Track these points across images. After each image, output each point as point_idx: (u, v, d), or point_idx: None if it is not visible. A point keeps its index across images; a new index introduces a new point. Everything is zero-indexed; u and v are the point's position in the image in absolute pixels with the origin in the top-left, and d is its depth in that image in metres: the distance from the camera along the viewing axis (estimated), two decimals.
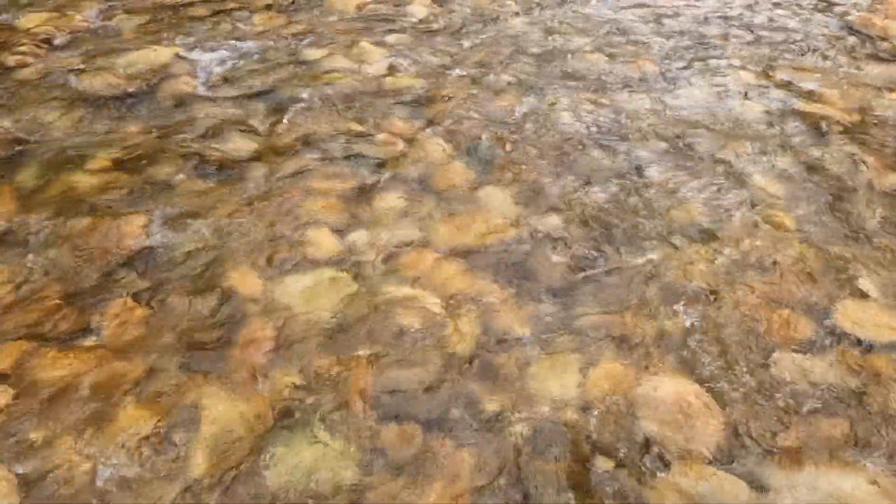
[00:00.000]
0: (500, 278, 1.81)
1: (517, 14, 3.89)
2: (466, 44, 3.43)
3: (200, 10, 3.97)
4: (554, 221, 2.04)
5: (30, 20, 3.77)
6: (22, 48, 3.29)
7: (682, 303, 1.75)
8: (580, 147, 2.42)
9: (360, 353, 1.58)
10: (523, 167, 2.28)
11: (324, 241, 1.90)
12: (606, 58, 3.21)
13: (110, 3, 4.12)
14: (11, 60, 3.15)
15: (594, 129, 2.55)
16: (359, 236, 1.93)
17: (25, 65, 3.12)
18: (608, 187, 2.18)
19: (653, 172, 2.33)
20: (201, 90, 2.88)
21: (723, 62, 3.21)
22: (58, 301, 1.66)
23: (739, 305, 1.75)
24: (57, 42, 3.46)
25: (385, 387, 1.49)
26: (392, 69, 3.12)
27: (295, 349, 1.57)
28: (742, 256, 1.93)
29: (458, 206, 2.11)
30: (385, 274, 1.81)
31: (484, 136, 2.47)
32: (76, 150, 2.37)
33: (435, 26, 3.73)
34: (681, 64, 3.15)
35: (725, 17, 3.72)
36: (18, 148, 2.36)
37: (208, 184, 2.19)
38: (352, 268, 1.82)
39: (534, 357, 1.56)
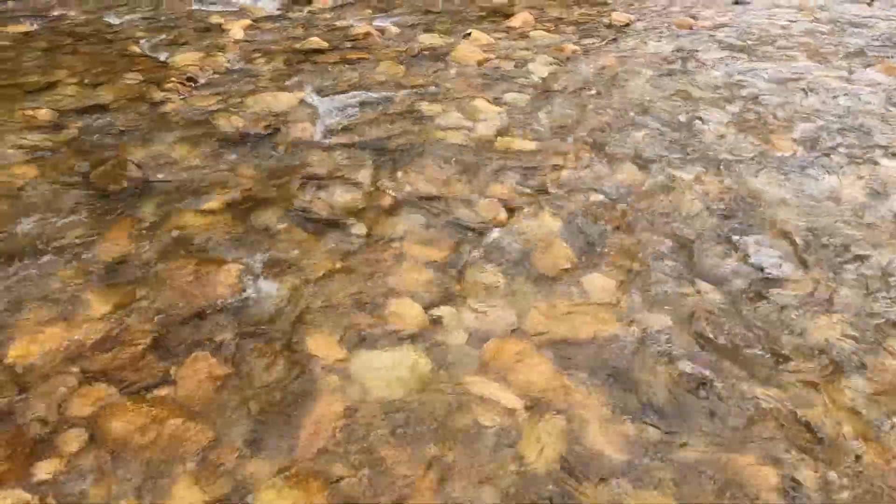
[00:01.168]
0: (594, 383, 1.61)
1: (645, 77, 3.69)
2: (588, 107, 3.28)
3: (330, 58, 4.16)
4: (663, 321, 1.80)
5: (183, 58, 4.13)
6: (169, 85, 3.58)
7: (815, 453, 1.45)
8: (701, 235, 2.17)
9: (429, 450, 1.44)
10: (634, 253, 2.07)
11: (409, 315, 1.80)
12: (740, 132, 2.93)
13: (253, 48, 4.44)
14: (158, 96, 3.43)
15: (718, 215, 2.28)
16: (446, 313, 1.81)
17: (168, 101, 3.38)
18: (729, 288, 1.91)
19: (785, 273, 2.02)
20: (318, 137, 2.95)
21: (878, 151, 2.81)
22: (145, 345, 1.68)
23: None
24: (201, 81, 3.74)
25: (448, 498, 1.34)
26: (506, 130, 3.03)
27: (362, 435, 1.46)
28: None
29: (557, 289, 1.94)
30: (468, 360, 1.67)
31: (594, 214, 2.28)
32: (194, 189, 2.48)
33: (556, 86, 3.62)
34: (826, 146, 2.79)
35: (889, 97, 3.29)
36: (145, 183, 2.51)
37: (307, 235, 2.18)
38: (434, 348, 1.70)
39: (623, 493, 1.33)
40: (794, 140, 2.79)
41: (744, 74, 3.68)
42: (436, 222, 2.26)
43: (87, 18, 5.56)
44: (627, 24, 4.86)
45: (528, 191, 2.47)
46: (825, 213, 2.28)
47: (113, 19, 5.47)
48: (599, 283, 1.93)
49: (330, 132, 3.00)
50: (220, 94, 3.49)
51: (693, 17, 5.06)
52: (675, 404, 1.57)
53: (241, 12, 5.61)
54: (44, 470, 1.37)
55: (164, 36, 4.81)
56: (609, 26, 4.89)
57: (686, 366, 1.65)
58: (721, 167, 2.57)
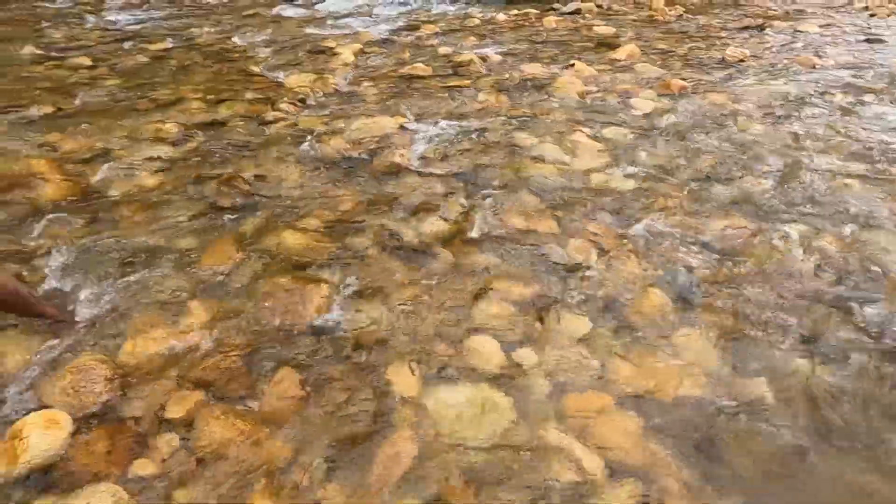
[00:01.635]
0: (681, 452, 1.51)
1: (759, 119, 3.49)
2: (693, 148, 3.14)
3: (433, 84, 4.26)
4: (763, 392, 1.66)
5: (296, 80, 4.39)
6: (282, 105, 3.81)
7: None
8: (812, 299, 1.99)
9: (500, 499, 1.40)
10: (735, 313, 1.93)
11: (489, 353, 1.78)
12: (864, 186, 2.68)
13: (360, 71, 4.64)
14: (271, 115, 3.65)
15: (833, 278, 2.09)
16: (527, 356, 1.77)
17: (279, 120, 3.59)
18: (845, 365, 1.73)
19: None
20: (413, 163, 3.02)
21: None
22: (238, 358, 1.77)
23: None
24: (309, 102, 3.95)
25: None
26: (603, 166, 2.96)
27: (434, 476, 1.45)
28: None
29: (645, 341, 1.85)
30: (547, 409, 1.62)
31: (693, 265, 2.16)
32: (295, 208, 2.60)
33: (660, 124, 3.50)
34: None
35: None
36: (252, 199, 2.66)
37: (395, 262, 2.22)
38: (513, 392, 1.66)
39: None
40: None
41: (871, 121, 3.38)
42: (523, 258, 2.23)
43: (216, 38, 6.06)
44: (742, 61, 4.62)
45: (622, 232, 2.39)
46: None
47: (238, 40, 5.92)
48: (694, 340, 1.82)
49: (425, 159, 3.06)
50: (326, 115, 3.67)
51: (817, 54, 4.73)
52: (770, 486, 1.43)
53: (354, 36, 5.89)
54: (139, 468, 1.46)
55: (281, 57, 5.14)
56: (722, 62, 4.67)
57: (783, 441, 1.51)
58: (840, 224, 2.36)
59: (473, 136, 3.35)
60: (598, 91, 4.06)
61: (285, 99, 3.93)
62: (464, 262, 2.21)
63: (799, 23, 6.01)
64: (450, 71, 4.57)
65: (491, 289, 2.07)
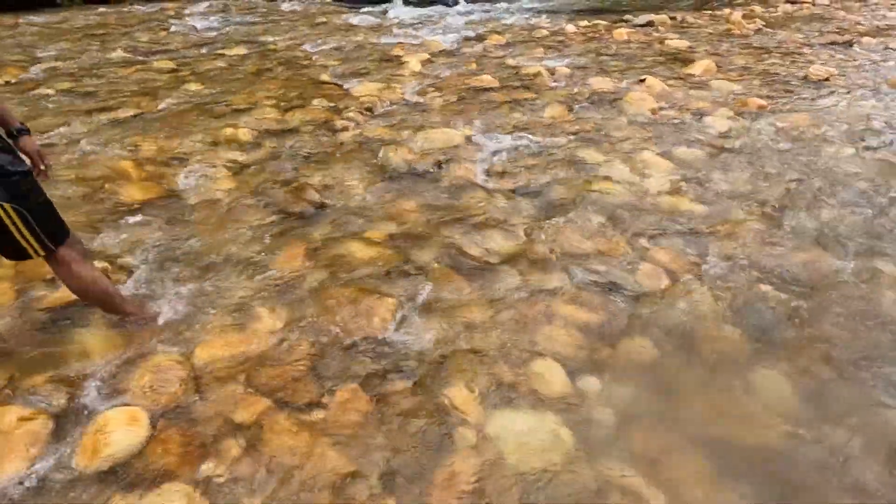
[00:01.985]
0: (757, 499, 1.43)
1: (842, 144, 3.30)
2: (770, 172, 3.00)
3: (499, 96, 4.25)
4: (848, 440, 1.56)
5: (364, 88, 4.47)
6: (350, 113, 3.89)
7: None
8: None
9: None
10: (818, 353, 1.82)
11: (553, 380, 1.75)
12: None
13: (427, 81, 4.68)
14: (339, 124, 3.73)
15: None
16: (592, 385, 1.73)
17: (347, 129, 3.66)
18: None
19: None
20: (480, 178, 3.01)
21: None
22: (305, 367, 1.80)
23: None
24: (377, 111, 4.01)
25: None
26: (674, 188, 2.86)
27: (491, 500, 1.43)
28: None
29: (719, 379, 1.77)
30: (612, 442, 1.57)
31: (769, 298, 2.06)
32: (361, 218, 2.64)
33: (735, 144, 3.36)
34: None
35: None
36: (319, 207, 2.72)
37: (459, 279, 2.22)
38: (576, 424, 1.62)
39: None
40: None
41: None
42: (591, 282, 2.18)
43: (289, 45, 6.27)
44: (827, 79, 4.39)
45: (694, 259, 2.30)
46: None
47: (309, 48, 6.10)
48: (772, 381, 1.73)
49: (491, 174, 3.05)
50: (393, 125, 3.72)
51: None
52: None
53: (421, 46, 5.96)
54: (207, 470, 1.51)
55: (349, 65, 5.25)
56: (804, 80, 4.46)
57: (864, 496, 1.41)
58: None
59: (540, 151, 3.32)
60: (670, 108, 3.95)
61: (353, 107, 4.01)
62: (529, 282, 2.19)
63: (890, 39, 5.67)
64: (517, 83, 4.55)
65: (557, 312, 2.03)
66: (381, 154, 3.25)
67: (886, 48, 5.34)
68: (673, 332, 1.95)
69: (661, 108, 3.90)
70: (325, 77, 4.84)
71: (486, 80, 4.58)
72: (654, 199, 2.77)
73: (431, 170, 3.08)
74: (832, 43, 5.56)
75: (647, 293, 2.12)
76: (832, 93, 4.15)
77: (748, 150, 3.28)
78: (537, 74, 4.67)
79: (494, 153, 3.29)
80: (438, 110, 4.00)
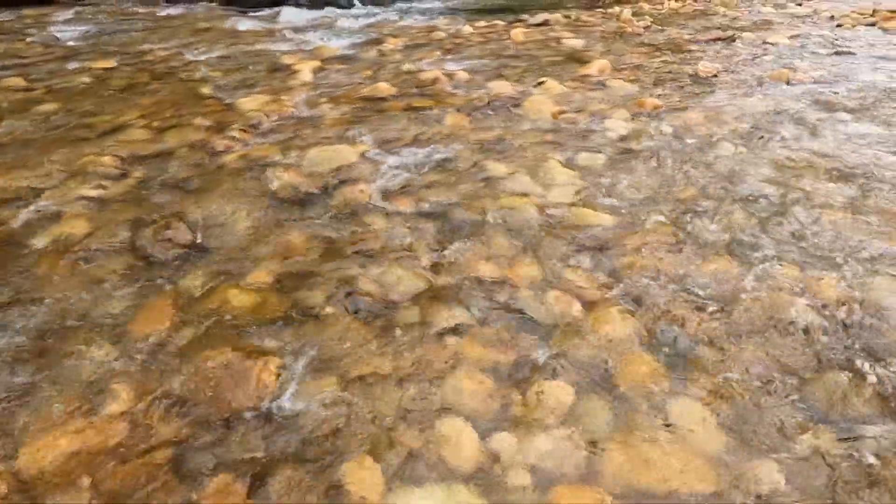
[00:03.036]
0: None
1: (737, 141, 3.34)
2: (672, 175, 2.96)
3: (396, 106, 4.02)
4: (772, 476, 1.46)
5: (249, 102, 4.10)
6: (233, 132, 3.52)
7: None
8: (816, 358, 1.81)
9: None
10: (734, 377, 1.74)
11: (462, 443, 1.54)
12: (856, 218, 2.53)
13: (319, 91, 4.37)
14: (221, 144, 3.36)
15: (836, 331, 1.91)
16: (505, 444, 1.54)
17: (229, 150, 3.30)
18: (861, 439, 1.54)
19: None
20: (376, 199, 2.77)
21: None
22: (167, 458, 1.50)
23: None
24: (263, 127, 3.67)
25: None
26: (581, 198, 2.75)
27: None
28: None
29: (639, 417, 1.63)
30: None
31: (682, 318, 1.96)
32: (242, 258, 2.33)
33: (636, 147, 3.32)
34: None
35: None
36: (192, 248, 2.38)
37: (355, 325, 1.97)
38: (491, 490, 1.43)
39: None
40: None
41: (853, 142, 3.26)
42: (499, 316, 2.00)
43: (167, 55, 5.72)
44: (715, 76, 4.50)
45: (604, 280, 2.18)
46: None
47: (190, 56, 5.59)
48: (694, 415, 1.61)
49: (389, 194, 2.81)
50: (281, 143, 3.39)
51: (789, 68, 4.64)
52: None
53: (313, 52, 5.62)
54: None
55: (235, 76, 4.84)
56: (695, 77, 4.54)
57: None
58: (837, 265, 2.19)
59: (441, 165, 3.12)
60: (570, 111, 3.87)
61: (237, 125, 3.64)
62: (433, 322, 1.97)
63: (768, 34, 5.95)
64: (415, 90, 4.33)
65: (465, 355, 1.83)
66: (266, 178, 2.93)
67: (764, 42, 5.59)
68: (587, 367, 1.80)
69: (561, 112, 3.82)
70: (206, 91, 4.40)
71: (383, 88, 4.33)
72: (561, 213, 2.64)
73: (323, 193, 2.80)
74: (716, 39, 5.76)
75: (559, 323, 1.97)
76: (721, 89, 4.25)
77: (649, 152, 3.24)
78: (436, 80, 4.48)
79: (392, 170, 3.05)
80: (331, 124, 3.71)
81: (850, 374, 1.71)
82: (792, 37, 5.80)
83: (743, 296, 2.06)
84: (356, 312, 2.02)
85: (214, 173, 3.05)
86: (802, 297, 2.02)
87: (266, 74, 4.86)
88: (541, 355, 1.84)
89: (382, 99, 4.15)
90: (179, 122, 3.73)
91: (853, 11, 6.85)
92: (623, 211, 2.64)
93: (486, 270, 2.22)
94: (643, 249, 2.34)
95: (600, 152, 3.25)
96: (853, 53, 5.05)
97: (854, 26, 6.16)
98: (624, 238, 2.43)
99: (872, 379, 1.70)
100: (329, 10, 8.58)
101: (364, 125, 3.67)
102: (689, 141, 3.38)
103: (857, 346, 1.82)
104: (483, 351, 1.84)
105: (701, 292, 2.09)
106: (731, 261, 2.25)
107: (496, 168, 3.05)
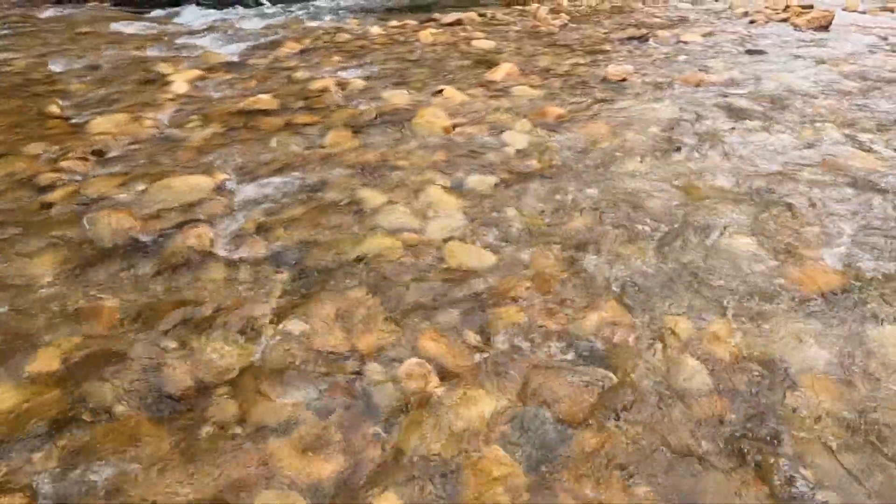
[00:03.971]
0: None
1: (641, 155, 3.07)
2: (567, 199, 2.65)
3: (275, 122, 3.58)
4: None
5: (103, 122, 3.57)
6: (67, 162, 3.00)
7: None
8: (708, 439, 1.51)
9: None
10: (611, 475, 1.42)
11: None
12: (764, 247, 2.27)
13: (191, 106, 3.88)
14: (47, 179, 2.84)
15: (732, 398, 1.62)
16: None
17: (58, 185, 2.79)
18: None
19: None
20: (221, 245, 2.34)
21: None
22: None
23: None
24: (111, 154, 3.16)
25: None
26: (461, 233, 2.40)
27: None
28: None
29: None
30: None
31: (555, 394, 1.63)
32: (34, 333, 1.87)
33: (532, 165, 3.00)
34: (881, 276, 2.13)
35: None
36: None
37: (154, 424, 1.56)
38: None
39: None
40: (839, 268, 2.13)
41: (761, 155, 3.04)
42: (336, 405, 1.62)
43: (30, 64, 5.07)
44: (624, 80, 4.25)
45: (472, 342, 1.83)
46: (887, 398, 1.62)
47: (55, 67, 4.96)
48: None
49: (238, 237, 2.39)
50: (125, 175, 2.90)
51: (701, 69, 4.45)
52: None
53: (198, 59, 5.08)
54: None
55: (98, 90, 4.27)
56: (603, 81, 4.28)
57: None
58: (734, 311, 1.92)
59: (310, 195, 2.72)
60: (467, 123, 3.53)
61: (77, 151, 3.11)
62: (251, 418, 1.58)
63: (682, 31, 5.80)
64: (300, 103, 3.89)
65: (279, 467, 1.44)
66: (91, 223, 2.45)
67: (678, 42, 5.42)
68: (436, 468, 1.44)
69: (456, 126, 3.47)
70: (55, 109, 3.82)
71: (264, 101, 3.87)
72: (435, 254, 2.28)
73: (155, 241, 2.35)
74: (630, 38, 5.56)
75: (408, 407, 1.61)
76: (630, 94, 4.00)
77: (545, 172, 2.93)
78: (325, 90, 4.05)
79: (250, 205, 2.63)
80: (195, 147, 3.24)
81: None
82: (706, 34, 5.66)
83: (627, 356, 1.75)
84: (158, 409, 1.60)
85: (34, 214, 2.55)
86: (695, 359, 1.72)
87: (135, 87, 4.31)
88: (377, 457, 1.47)
89: (262, 113, 3.70)
90: (9, 150, 3.17)
91: (766, 7, 6.81)
92: (507, 249, 2.31)
93: (332, 341, 1.84)
94: (523, 298, 2.01)
95: (492, 173, 2.91)
96: (765, 53, 4.92)
97: (767, 23, 6.09)
98: (503, 284, 2.09)
99: (784, 457, 1.41)
100: (234, 11, 8.00)
101: (232, 147, 3.22)
102: (590, 156, 3.09)
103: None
104: (303, 462, 1.46)
105: (579, 351, 1.77)
106: (617, 310, 1.94)
107: (371, 198, 2.67)
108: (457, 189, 2.77)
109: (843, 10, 6.74)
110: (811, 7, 6.59)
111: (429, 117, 3.49)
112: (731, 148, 3.12)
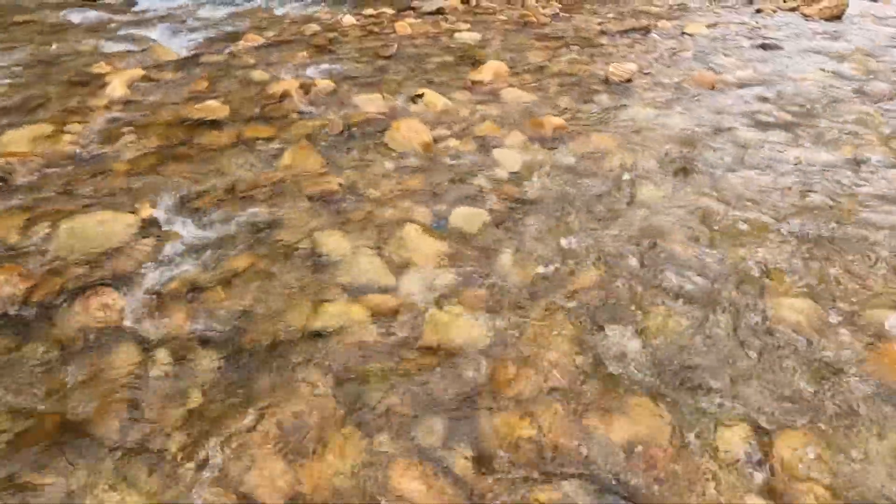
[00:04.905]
0: None
1: (657, 178, 2.58)
2: (573, 241, 2.16)
3: (223, 136, 3.03)
4: None
5: (14, 137, 2.98)
6: None
7: None
8: None
9: None
10: None
11: None
12: (818, 310, 1.80)
13: (127, 115, 3.30)
14: None
15: None
16: None
17: None
18: None
19: None
20: (133, 317, 1.81)
21: None
22: None
23: None
24: (15, 182, 2.59)
25: None
26: (444, 292, 1.90)
27: None
28: None
29: None
30: None
31: None
32: None
33: (529, 191, 2.51)
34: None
35: None
36: None
37: None
38: None
39: None
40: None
41: (799, 178, 2.57)
42: None
43: None
44: (629, 80, 3.74)
45: (462, 474, 1.34)
46: None
47: None
48: None
49: (161, 304, 1.86)
50: (28, 210, 2.34)
51: (712, 69, 3.96)
52: None
53: (145, 55, 4.47)
54: None
55: (18, 94, 3.66)
56: (605, 82, 3.77)
57: None
58: (811, 415, 1.45)
59: (258, 238, 2.19)
60: (450, 136, 3.01)
61: None
62: None
63: (685, 22, 5.29)
64: (256, 110, 3.33)
65: None
66: None
67: (683, 34, 4.92)
68: None
69: (437, 140, 2.95)
70: None
71: (213, 108, 3.31)
72: (412, 326, 1.78)
73: (45, 314, 1.81)
74: (631, 29, 5.04)
75: None
76: (636, 99, 3.50)
77: (545, 201, 2.44)
78: (286, 95, 3.49)
79: (180, 256, 2.09)
80: (122, 172, 2.68)
81: None
82: (711, 25, 5.17)
83: (661, 489, 1.28)
84: None
85: None
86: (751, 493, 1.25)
87: (63, 90, 3.70)
88: None
89: (209, 125, 3.13)
90: None
91: None
92: (503, 317, 1.81)
93: (269, 482, 1.33)
94: (528, 397, 1.52)
95: (481, 204, 2.41)
96: (780, 48, 4.44)
97: (775, 12, 5.60)
98: (500, 373, 1.60)
99: None
100: None
101: (168, 170, 2.67)
102: (597, 180, 2.60)
103: None
104: None
105: (604, 480, 1.29)
106: (648, 414, 1.46)
107: (334, 243, 2.15)
108: (438, 228, 2.26)
109: None
110: None
111: (405, 130, 2.96)
112: (762, 170, 2.65)
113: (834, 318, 1.76)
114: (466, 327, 1.77)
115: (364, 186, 2.53)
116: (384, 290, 1.93)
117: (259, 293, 1.91)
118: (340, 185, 2.54)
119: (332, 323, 1.77)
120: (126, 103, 3.49)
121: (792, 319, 1.76)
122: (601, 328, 1.75)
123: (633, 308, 1.83)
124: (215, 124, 3.15)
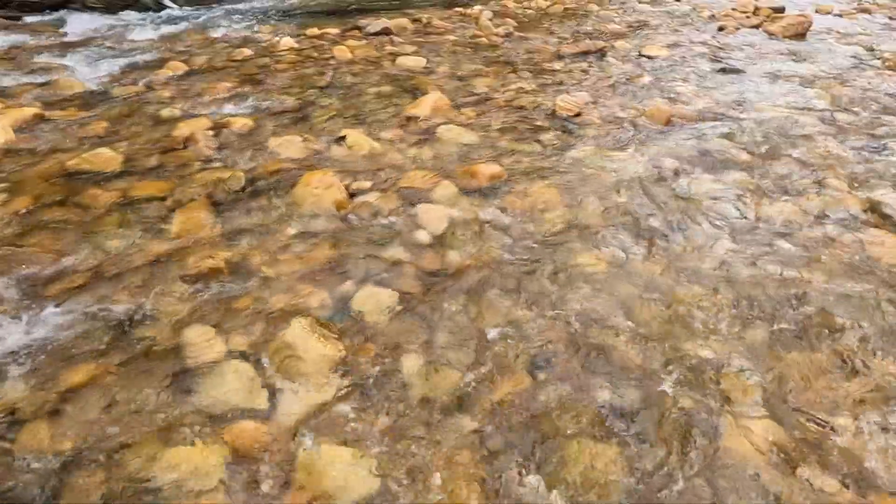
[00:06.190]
0: None
1: (596, 242, 2.24)
2: (496, 338, 1.80)
3: (107, 194, 2.62)
4: None
5: None
6: None
7: None
8: None
9: None
10: None
11: None
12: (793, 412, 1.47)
13: (7, 166, 2.87)
14: None
15: None
16: None
17: None
18: None
19: None
20: None
21: None
22: None
23: None
24: None
25: None
26: (324, 421, 1.52)
27: None
28: None
29: None
30: None
31: None
32: None
33: (451, 262, 2.15)
34: None
35: None
36: None
37: None
38: None
39: None
40: None
41: (763, 243, 2.25)
42: None
43: None
44: (578, 115, 3.41)
45: None
46: None
47: None
48: None
49: None
50: None
51: (670, 98, 3.65)
52: None
53: (46, 88, 4.02)
54: None
55: None
56: (552, 116, 3.44)
57: None
58: None
59: (114, 339, 1.79)
60: (370, 189, 2.63)
61: None
62: None
63: (644, 42, 5.01)
64: (152, 161, 2.92)
65: None
66: None
67: (640, 56, 4.63)
68: None
69: (355, 195, 2.57)
70: None
71: (104, 158, 2.88)
72: (274, 483, 1.39)
73: None
74: (585, 52, 4.72)
75: None
76: (584, 138, 3.16)
77: (469, 276, 2.08)
78: (191, 140, 3.08)
79: (5, 364, 1.68)
80: None
81: None
82: (671, 45, 4.89)
83: None
84: None
85: None
86: None
87: None
88: None
89: (94, 179, 2.72)
90: None
91: (734, 10, 6.09)
92: (397, 457, 1.44)
93: None
94: None
95: (393, 282, 2.04)
96: (742, 71, 4.16)
97: (737, 30, 5.35)
98: None
99: None
100: (130, 15, 6.85)
101: (31, 240, 2.25)
102: (533, 244, 2.25)
103: None
104: None
105: None
106: None
107: (204, 347, 1.76)
108: (336, 318, 1.88)
109: (817, 12, 6.08)
110: (783, 10, 5.91)
111: (317, 185, 2.57)
112: (721, 231, 2.32)
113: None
114: (352, 472, 1.40)
115: (257, 262, 2.14)
116: (253, 416, 1.54)
117: (94, 426, 1.51)
118: (229, 260, 2.15)
119: (173, 476, 1.38)
120: (6, 152, 3.05)
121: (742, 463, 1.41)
122: (516, 467, 1.38)
123: (559, 415, 1.47)
124: (100, 179, 2.73)
